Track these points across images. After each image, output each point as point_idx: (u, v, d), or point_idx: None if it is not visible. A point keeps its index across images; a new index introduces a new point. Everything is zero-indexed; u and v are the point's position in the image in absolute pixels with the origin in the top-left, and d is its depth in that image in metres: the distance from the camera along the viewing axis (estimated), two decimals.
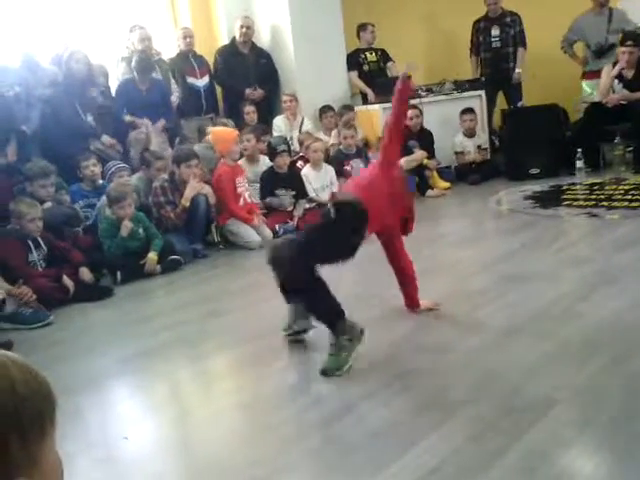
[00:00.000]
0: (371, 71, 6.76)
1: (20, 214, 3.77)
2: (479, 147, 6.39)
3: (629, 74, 5.82)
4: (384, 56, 6.87)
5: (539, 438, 1.75)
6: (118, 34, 5.99)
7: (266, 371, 2.49)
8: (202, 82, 6.08)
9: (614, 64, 5.92)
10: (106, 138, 5.19)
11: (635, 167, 5.57)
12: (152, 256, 4.17)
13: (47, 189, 4.26)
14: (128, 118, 5.38)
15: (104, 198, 4.48)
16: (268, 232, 4.82)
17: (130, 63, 5.69)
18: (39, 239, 3.84)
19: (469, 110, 6.36)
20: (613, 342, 2.33)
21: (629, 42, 5.73)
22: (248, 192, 4.94)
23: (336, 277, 2.84)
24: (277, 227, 4.90)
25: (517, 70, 6.63)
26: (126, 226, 4.17)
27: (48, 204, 4.23)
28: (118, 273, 4.10)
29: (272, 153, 5.18)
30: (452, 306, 2.91)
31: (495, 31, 6.65)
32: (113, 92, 5.69)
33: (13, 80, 4.86)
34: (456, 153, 6.43)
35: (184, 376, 2.59)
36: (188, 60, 6.07)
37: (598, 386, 2.01)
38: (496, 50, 6.69)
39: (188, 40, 6.08)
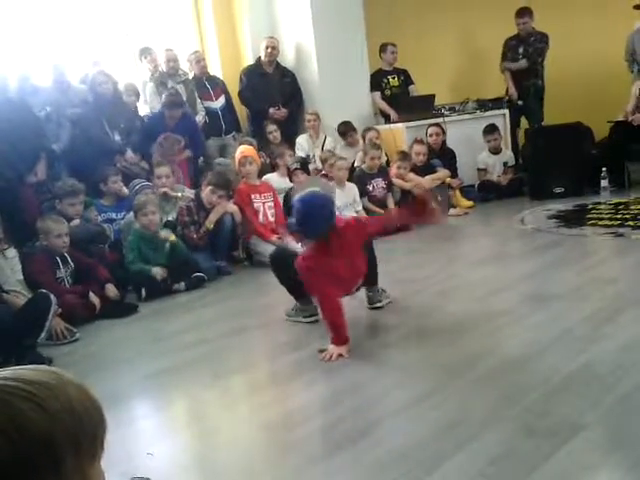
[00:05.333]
0: (393, 95, 6.81)
1: (47, 230, 3.85)
2: (505, 164, 6.38)
3: None
4: (406, 79, 6.91)
5: (563, 463, 1.72)
6: (140, 58, 6.11)
7: (290, 388, 2.50)
8: (218, 104, 6.15)
9: None
10: (130, 154, 5.27)
11: None
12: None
13: (76, 207, 4.35)
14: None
15: (131, 214, 4.58)
16: (296, 247, 4.85)
17: (157, 82, 5.82)
18: (66, 256, 3.91)
19: (493, 128, 6.36)
20: None
21: None
22: (272, 210, 4.98)
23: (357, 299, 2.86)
24: (300, 245, 4.93)
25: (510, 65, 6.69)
26: (166, 234, 4.29)
27: (76, 221, 4.32)
28: (143, 290, 4.15)
29: (290, 173, 5.25)
30: (475, 325, 2.90)
31: (521, 49, 6.73)
32: (141, 111, 5.82)
33: (44, 100, 5.01)
34: (479, 170, 6.43)
35: (208, 393, 2.61)
36: (202, 84, 6.13)
37: (626, 409, 1.98)
38: (515, 69, 6.74)
39: (202, 64, 6.17)
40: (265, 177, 5.44)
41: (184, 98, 5.94)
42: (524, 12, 6.62)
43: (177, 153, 5.42)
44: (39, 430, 0.69)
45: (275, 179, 5.42)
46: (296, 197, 2.82)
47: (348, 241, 2.80)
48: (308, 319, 3.19)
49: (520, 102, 6.68)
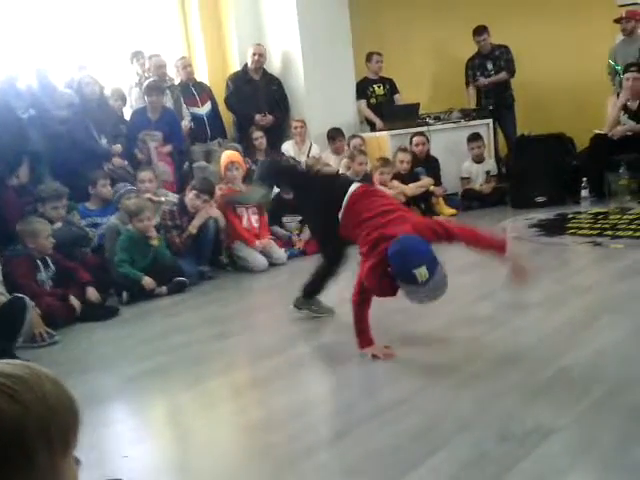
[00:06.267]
0: (378, 103, 6.88)
1: (35, 232, 3.83)
2: (487, 173, 6.45)
3: (634, 105, 5.88)
4: (392, 88, 6.98)
5: (535, 467, 1.75)
6: (132, 60, 6.11)
7: (267, 392, 2.51)
8: (204, 110, 6.16)
9: (619, 95, 5.98)
10: (117, 160, 5.27)
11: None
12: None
13: (58, 211, 4.33)
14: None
15: (112, 218, 4.57)
16: (279, 252, 4.88)
17: (142, 89, 5.83)
18: (47, 259, 3.90)
19: (476, 136, 6.45)
20: (614, 371, 2.34)
21: (633, 68, 5.80)
22: (255, 216, 4.99)
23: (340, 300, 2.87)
24: (283, 251, 4.95)
25: (485, 81, 6.87)
26: (154, 237, 4.31)
27: (58, 224, 4.30)
28: (124, 293, 4.14)
29: None
30: (454, 332, 2.93)
31: (490, 65, 6.92)
32: (126, 116, 5.82)
33: (28, 102, 4.98)
34: (462, 178, 6.50)
35: (186, 397, 2.61)
36: (189, 90, 6.15)
37: (596, 415, 2.01)
38: (494, 82, 6.89)
39: (188, 69, 6.19)
40: None
41: (171, 104, 5.95)
42: (482, 30, 6.83)
43: (159, 146, 5.44)
44: (11, 421, 0.69)
45: None
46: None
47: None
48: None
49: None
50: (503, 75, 6.84)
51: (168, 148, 5.58)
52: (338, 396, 2.45)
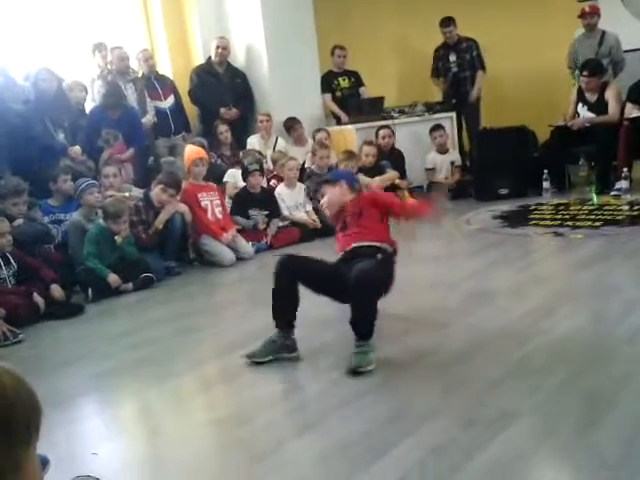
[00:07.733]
0: (344, 97, 6.90)
1: None
2: (452, 163, 6.54)
3: (592, 98, 6.02)
4: (357, 81, 7.01)
5: (500, 451, 1.80)
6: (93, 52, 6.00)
7: (236, 386, 2.52)
8: (167, 103, 6.08)
9: (579, 88, 6.13)
10: (77, 148, 5.16)
11: (598, 188, 5.74)
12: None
13: (19, 207, 4.24)
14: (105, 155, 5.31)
15: (75, 214, 4.50)
16: (246, 246, 4.87)
17: (105, 81, 5.73)
18: (9, 256, 3.82)
19: (438, 126, 6.54)
20: (573, 357, 2.41)
21: (585, 72, 5.94)
22: (219, 208, 4.97)
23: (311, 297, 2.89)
24: (250, 245, 4.95)
25: (473, 92, 6.92)
26: (122, 236, 4.24)
27: (19, 221, 4.21)
28: (90, 290, 4.09)
29: (245, 173, 5.24)
30: (421, 322, 2.98)
31: (452, 57, 6.98)
32: (88, 108, 5.72)
33: None
34: (427, 170, 6.58)
35: (155, 393, 2.60)
36: (151, 83, 6.06)
37: (558, 400, 2.08)
38: (454, 74, 6.99)
39: (150, 62, 6.09)
40: (278, 190, 5.38)
41: (134, 97, 5.87)
42: (448, 21, 6.88)
43: (118, 147, 5.36)
44: None
45: (286, 192, 5.38)
46: None
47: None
48: (290, 354, 2.67)
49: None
50: (480, 74, 6.89)
51: (130, 153, 5.48)
52: (305, 388, 2.47)
